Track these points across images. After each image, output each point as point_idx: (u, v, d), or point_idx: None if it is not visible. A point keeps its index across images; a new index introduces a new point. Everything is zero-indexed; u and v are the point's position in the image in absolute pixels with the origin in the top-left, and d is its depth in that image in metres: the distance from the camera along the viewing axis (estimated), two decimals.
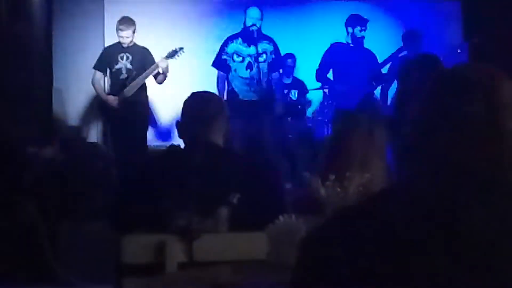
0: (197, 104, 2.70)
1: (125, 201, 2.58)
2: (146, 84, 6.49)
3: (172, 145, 2.72)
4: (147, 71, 6.35)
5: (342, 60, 6.50)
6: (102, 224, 2.92)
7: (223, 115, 2.72)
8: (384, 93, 6.67)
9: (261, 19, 6.18)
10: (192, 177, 2.49)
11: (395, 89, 4.69)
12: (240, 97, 6.17)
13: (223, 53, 6.24)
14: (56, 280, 2.36)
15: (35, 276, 2.23)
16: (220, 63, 6.24)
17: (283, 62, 6.51)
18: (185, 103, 2.71)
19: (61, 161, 5.59)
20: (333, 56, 6.53)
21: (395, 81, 5.33)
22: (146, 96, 6.54)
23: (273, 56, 6.26)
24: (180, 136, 2.70)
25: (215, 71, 6.26)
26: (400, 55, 6.57)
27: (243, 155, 5.19)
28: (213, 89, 5.86)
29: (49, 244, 2.34)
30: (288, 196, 2.71)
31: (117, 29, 6.48)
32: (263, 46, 6.20)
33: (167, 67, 6.35)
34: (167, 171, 2.56)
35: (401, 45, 6.58)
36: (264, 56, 6.20)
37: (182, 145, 2.71)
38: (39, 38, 6.98)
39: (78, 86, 7.28)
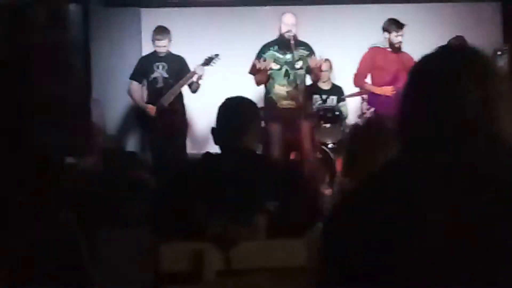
0: (231, 109, 2.68)
1: (163, 209, 2.58)
2: (183, 93, 6.51)
3: (208, 153, 2.70)
4: (183, 79, 6.37)
5: (380, 64, 6.43)
6: (140, 233, 2.93)
7: (258, 120, 2.70)
8: None
9: (296, 24, 6.14)
10: (228, 184, 2.47)
11: None
12: (278, 104, 6.14)
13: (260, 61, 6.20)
14: None
15: (73, 285, 2.23)
16: (257, 71, 6.19)
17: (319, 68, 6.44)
18: (219, 108, 2.69)
19: (100, 170, 5.63)
20: (371, 61, 6.46)
21: None
22: (183, 105, 6.57)
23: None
24: (215, 143, 2.68)
25: (250, 78, 6.23)
26: None
27: (280, 161, 5.17)
28: (249, 96, 5.84)
29: (88, 253, 2.34)
30: (326, 202, 2.68)
31: (153, 39, 6.53)
32: (300, 52, 6.15)
33: (202, 75, 6.36)
34: (204, 178, 2.54)
35: None
36: (301, 63, 6.15)
37: (218, 152, 2.69)
38: (77, 49, 7.05)
39: (117, 96, 7.33)
